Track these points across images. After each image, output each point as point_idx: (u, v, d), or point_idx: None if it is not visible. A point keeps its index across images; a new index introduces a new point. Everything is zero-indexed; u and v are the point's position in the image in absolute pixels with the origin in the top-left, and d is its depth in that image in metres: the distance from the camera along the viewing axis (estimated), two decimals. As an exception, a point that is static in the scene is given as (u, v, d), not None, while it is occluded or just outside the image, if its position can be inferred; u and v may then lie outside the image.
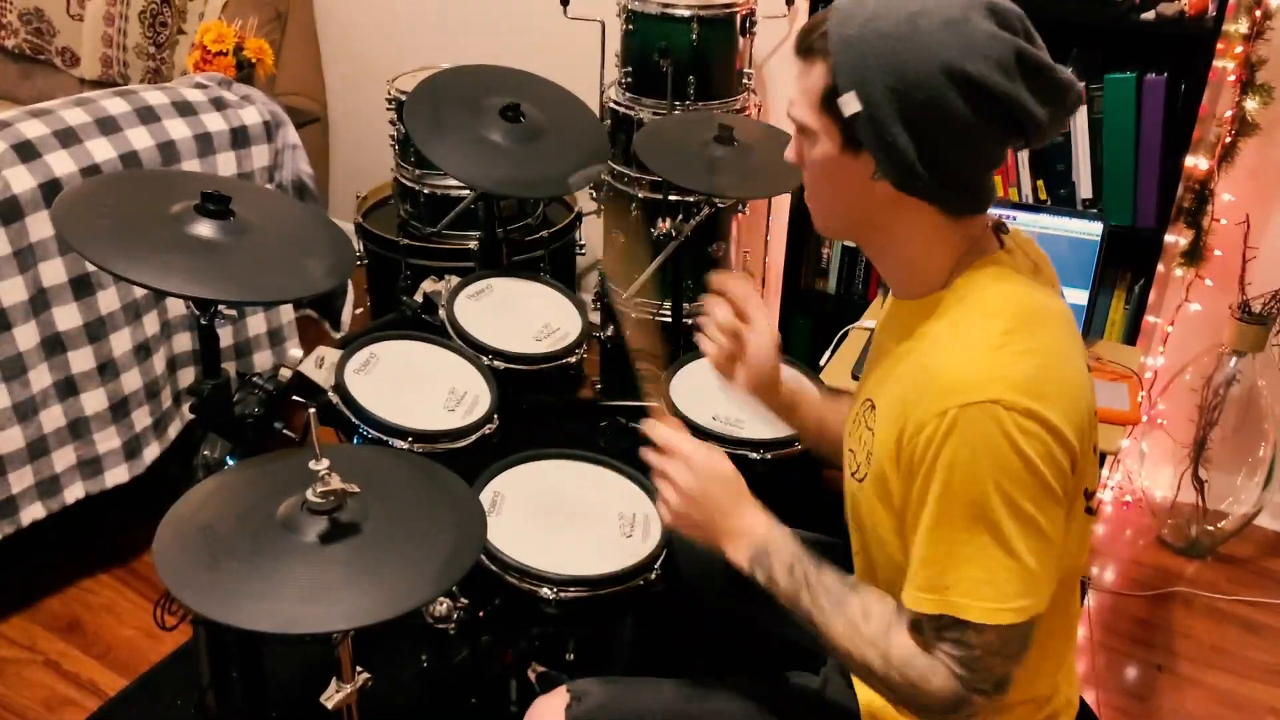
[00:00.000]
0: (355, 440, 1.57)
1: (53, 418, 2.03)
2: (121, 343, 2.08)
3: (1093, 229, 2.05)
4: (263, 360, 2.42)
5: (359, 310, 2.80)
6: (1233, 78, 2.13)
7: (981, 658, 1.00)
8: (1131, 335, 2.23)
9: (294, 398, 1.58)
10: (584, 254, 2.83)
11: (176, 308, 2.23)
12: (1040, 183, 2.20)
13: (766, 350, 1.33)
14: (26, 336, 1.95)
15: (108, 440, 2.11)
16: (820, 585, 1.10)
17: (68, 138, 1.97)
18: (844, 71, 1.00)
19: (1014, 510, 0.97)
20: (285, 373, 1.59)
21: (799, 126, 1.08)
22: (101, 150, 2.01)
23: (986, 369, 0.98)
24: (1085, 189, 2.16)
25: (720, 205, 2.17)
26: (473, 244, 2.55)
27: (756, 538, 1.15)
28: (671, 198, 2.42)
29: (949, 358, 1.02)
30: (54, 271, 1.96)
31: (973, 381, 0.98)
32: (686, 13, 2.32)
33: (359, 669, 1.23)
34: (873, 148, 1.02)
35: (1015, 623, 0.99)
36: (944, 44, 0.97)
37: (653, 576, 1.42)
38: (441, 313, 1.82)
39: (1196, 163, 2.16)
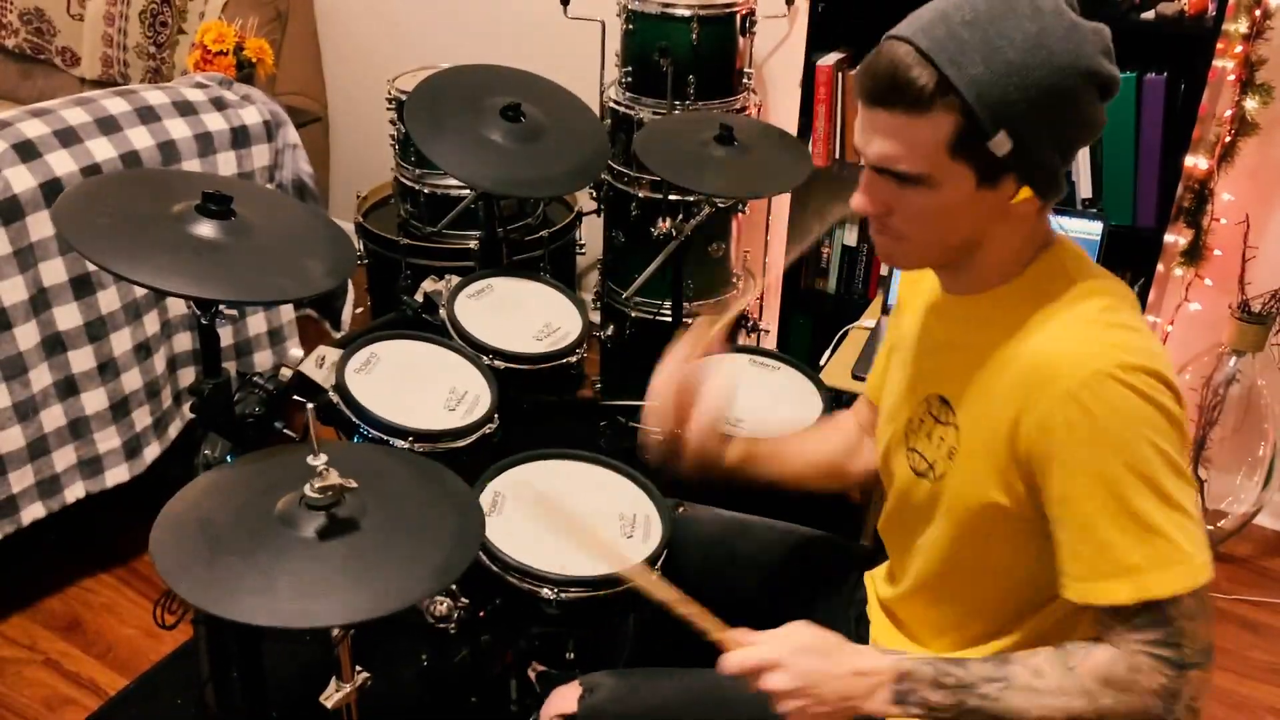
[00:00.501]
0: (355, 440, 1.57)
1: (53, 417, 2.03)
2: (122, 342, 2.09)
3: (1093, 228, 2.05)
4: (263, 360, 2.42)
5: (359, 310, 2.80)
6: (1232, 77, 2.13)
7: (1183, 628, 0.95)
8: (1131, 335, 2.23)
9: (294, 397, 1.58)
10: (584, 254, 2.83)
11: (177, 307, 2.23)
12: (1040, 182, 2.20)
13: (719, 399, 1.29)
14: (27, 336, 1.95)
15: (108, 440, 2.11)
16: (977, 677, 1.01)
17: (68, 137, 1.97)
18: (987, 115, 0.96)
19: (1169, 464, 0.96)
20: (286, 372, 1.59)
21: (903, 177, 1.01)
22: (102, 150, 2.01)
23: (1100, 343, 0.99)
24: (1085, 188, 2.16)
25: (720, 205, 2.17)
26: (473, 244, 2.55)
27: (887, 678, 1.03)
28: (671, 198, 2.42)
29: (1058, 340, 1.01)
30: (54, 271, 1.96)
31: (1091, 354, 0.98)
32: (686, 12, 2.32)
33: (359, 668, 1.23)
34: (1023, 172, 1.01)
35: (1208, 580, 0.96)
36: (1076, 53, 0.98)
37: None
38: (442, 312, 1.82)
39: (1196, 162, 2.15)
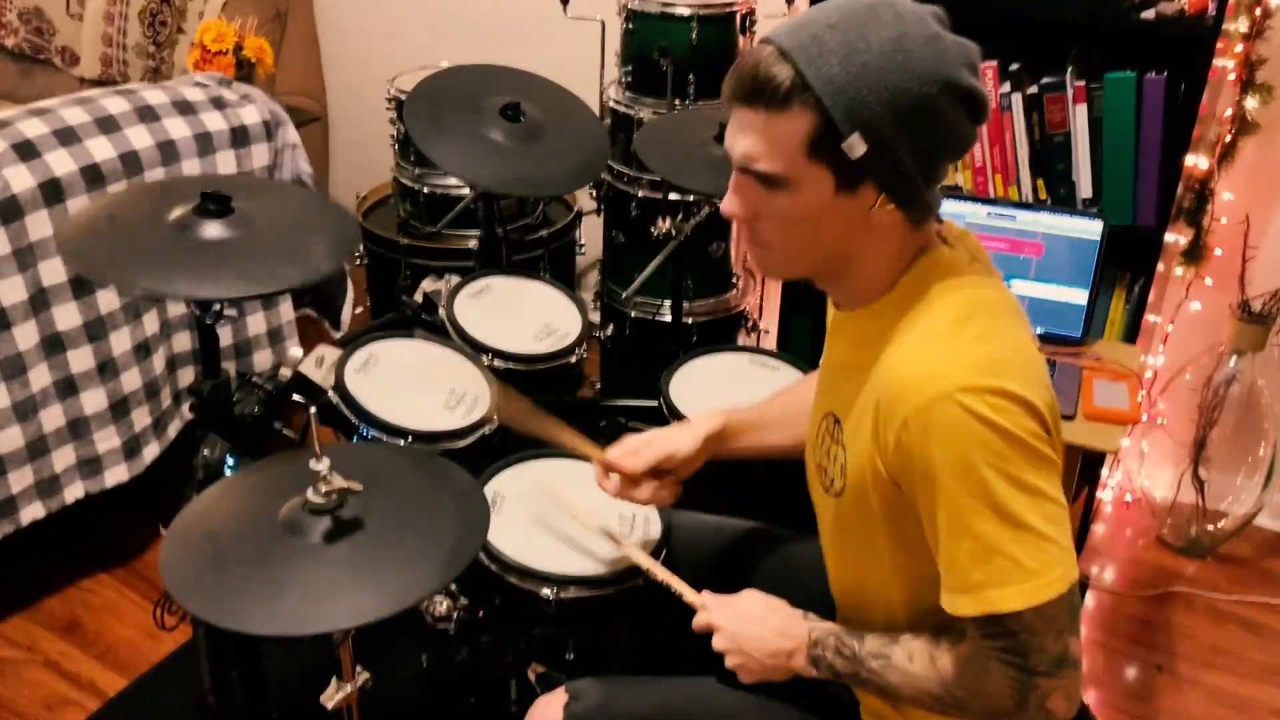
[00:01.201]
0: (355, 440, 1.57)
1: (52, 417, 2.03)
2: (121, 342, 2.08)
3: (1093, 228, 2.05)
4: (262, 360, 2.42)
5: (359, 310, 2.80)
6: (1233, 77, 2.13)
7: (1026, 641, 0.99)
8: (1131, 334, 2.23)
9: (294, 397, 1.58)
10: (584, 254, 2.83)
11: (176, 307, 2.23)
12: (1040, 182, 2.20)
13: (679, 450, 1.34)
14: (26, 336, 1.94)
15: (107, 440, 2.11)
16: (868, 654, 1.12)
17: (67, 137, 1.97)
18: (841, 115, 0.97)
19: (1015, 484, 0.96)
20: (285, 372, 1.58)
21: (765, 179, 1.03)
22: (101, 149, 2.01)
23: (942, 361, 0.99)
24: (1085, 188, 2.16)
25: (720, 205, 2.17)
26: (473, 243, 2.56)
27: (804, 643, 1.17)
28: (671, 197, 2.42)
29: (904, 359, 1.02)
30: (53, 271, 1.96)
31: (932, 376, 0.98)
32: (686, 12, 2.32)
33: (359, 669, 1.23)
34: (881, 179, 1.01)
35: (1052, 598, 0.97)
36: (934, 61, 0.98)
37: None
38: (441, 312, 1.81)
39: (1196, 162, 2.15)
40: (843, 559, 1.22)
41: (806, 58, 0.97)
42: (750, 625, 1.20)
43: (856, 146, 0.98)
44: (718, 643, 1.22)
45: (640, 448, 1.35)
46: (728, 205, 1.09)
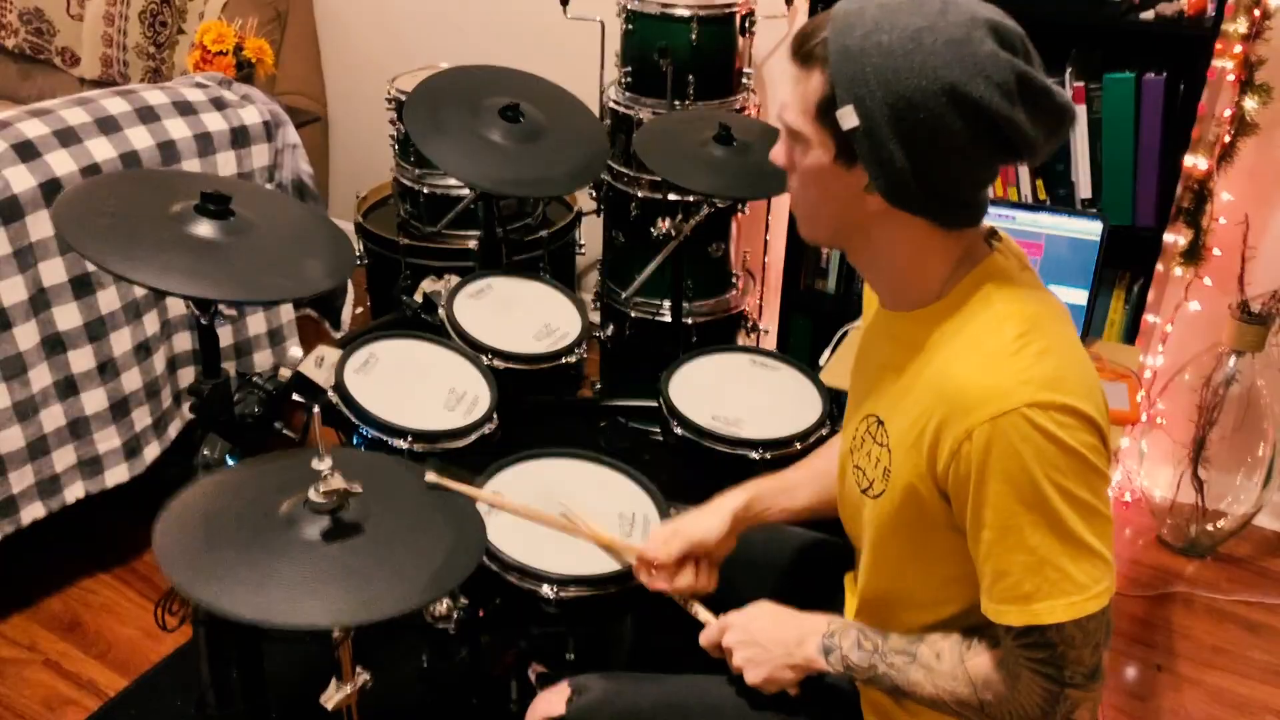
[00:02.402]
0: (355, 440, 1.57)
1: (53, 417, 2.03)
2: (121, 342, 2.09)
3: (1092, 228, 2.05)
4: (263, 360, 2.42)
5: (359, 310, 2.80)
6: (1232, 77, 2.14)
7: (1065, 652, 1.01)
8: (1131, 335, 2.23)
9: (294, 397, 1.58)
10: (584, 254, 2.83)
11: (176, 307, 2.23)
12: (1040, 182, 2.20)
13: (708, 536, 1.33)
14: (26, 336, 1.95)
15: (108, 440, 2.11)
16: (889, 648, 1.13)
17: (68, 137, 1.97)
18: (843, 84, 0.99)
19: (1070, 500, 0.98)
20: (285, 372, 1.59)
21: (790, 131, 1.07)
22: (101, 150, 2.01)
23: (1010, 376, 0.99)
24: (1085, 189, 2.16)
25: (720, 205, 2.17)
26: (473, 244, 2.56)
27: (820, 634, 1.18)
28: (671, 197, 2.42)
29: (970, 371, 1.02)
30: (54, 271, 1.96)
31: (999, 391, 0.98)
32: (686, 12, 2.32)
33: (359, 669, 1.23)
34: (867, 162, 1.01)
35: (1097, 610, 1.00)
36: (947, 64, 0.96)
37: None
38: (441, 312, 1.82)
39: (1196, 162, 2.16)
40: (874, 559, 1.20)
41: (842, 25, 1.00)
42: (763, 618, 1.23)
43: (848, 118, 0.99)
44: (729, 636, 1.23)
45: (669, 537, 1.34)
46: (773, 151, 1.12)
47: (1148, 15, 2.02)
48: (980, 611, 1.08)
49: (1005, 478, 0.98)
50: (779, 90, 2.74)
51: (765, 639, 1.21)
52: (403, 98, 2.55)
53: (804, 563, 1.46)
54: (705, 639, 1.26)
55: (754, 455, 1.65)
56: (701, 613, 1.30)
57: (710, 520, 1.34)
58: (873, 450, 1.14)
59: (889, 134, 0.98)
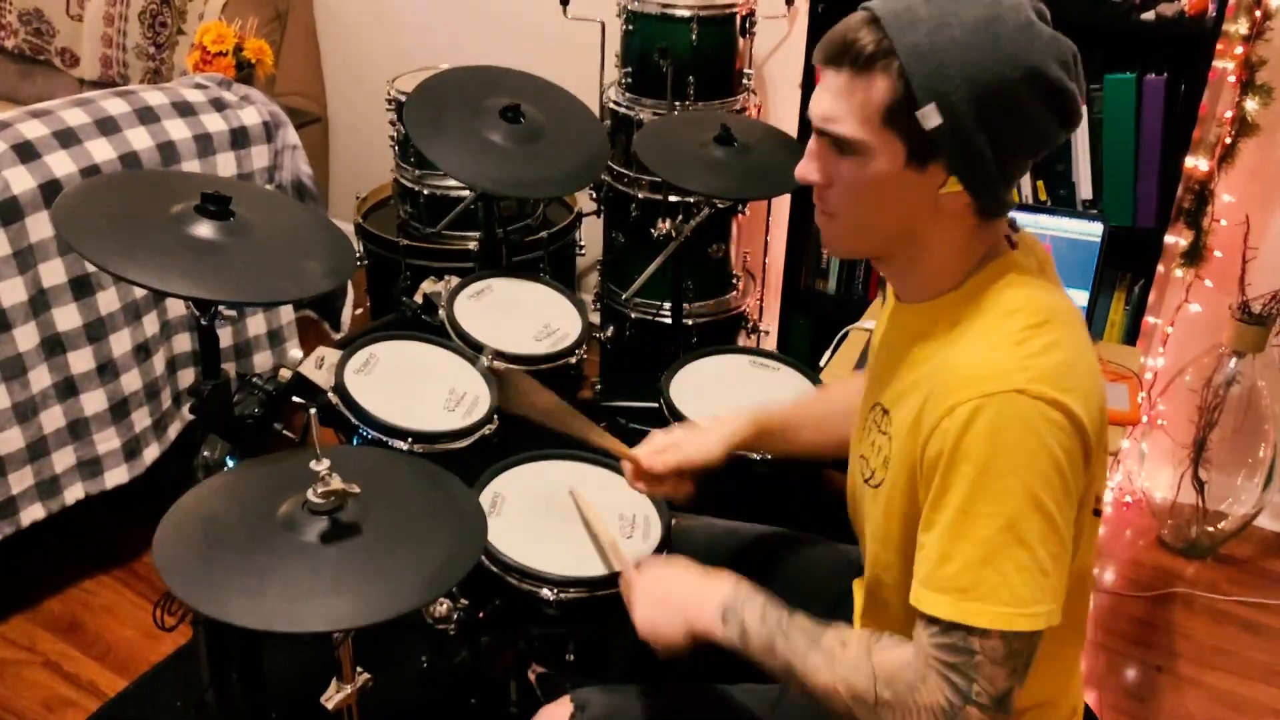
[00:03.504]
0: (355, 441, 1.57)
1: (53, 418, 2.03)
2: (121, 343, 2.08)
3: (1093, 229, 2.05)
4: (263, 361, 2.42)
5: (359, 311, 2.80)
6: (1233, 78, 2.14)
7: (981, 665, 0.96)
8: (1131, 336, 2.23)
9: (294, 398, 1.58)
10: (584, 254, 2.83)
11: (176, 308, 2.23)
12: (1040, 183, 2.20)
13: (701, 457, 1.37)
14: (26, 337, 1.95)
15: (107, 441, 2.11)
16: (794, 626, 1.08)
17: (67, 138, 1.97)
18: (921, 83, 0.96)
19: (1038, 508, 0.94)
20: (285, 373, 1.59)
21: (840, 143, 1.02)
22: (101, 151, 2.01)
23: (1009, 360, 0.97)
24: (1085, 189, 2.16)
25: (720, 206, 2.17)
26: (473, 244, 2.56)
27: (724, 596, 1.14)
28: (671, 198, 2.42)
29: (968, 353, 1.00)
30: (54, 272, 1.96)
31: (995, 372, 0.96)
32: (686, 13, 2.32)
33: (359, 669, 1.23)
34: (953, 158, 0.99)
35: (1027, 630, 0.95)
36: (1024, 49, 0.96)
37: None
38: (441, 313, 1.82)
39: (1196, 163, 2.16)
40: (874, 550, 1.18)
41: (897, 25, 0.97)
42: (677, 569, 1.22)
43: (931, 117, 0.97)
44: (639, 581, 1.23)
45: (666, 448, 1.37)
46: (802, 169, 1.08)
47: (1148, 16, 2.02)
48: None
49: (976, 458, 0.95)
50: (779, 91, 2.74)
51: (668, 590, 1.19)
52: (402, 98, 2.55)
53: (811, 569, 1.45)
54: (623, 588, 1.26)
55: (754, 456, 1.64)
56: (627, 561, 1.31)
57: (708, 443, 1.38)
58: (876, 439, 1.13)
59: (975, 126, 0.97)
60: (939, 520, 0.98)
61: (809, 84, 2.39)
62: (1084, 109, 1.03)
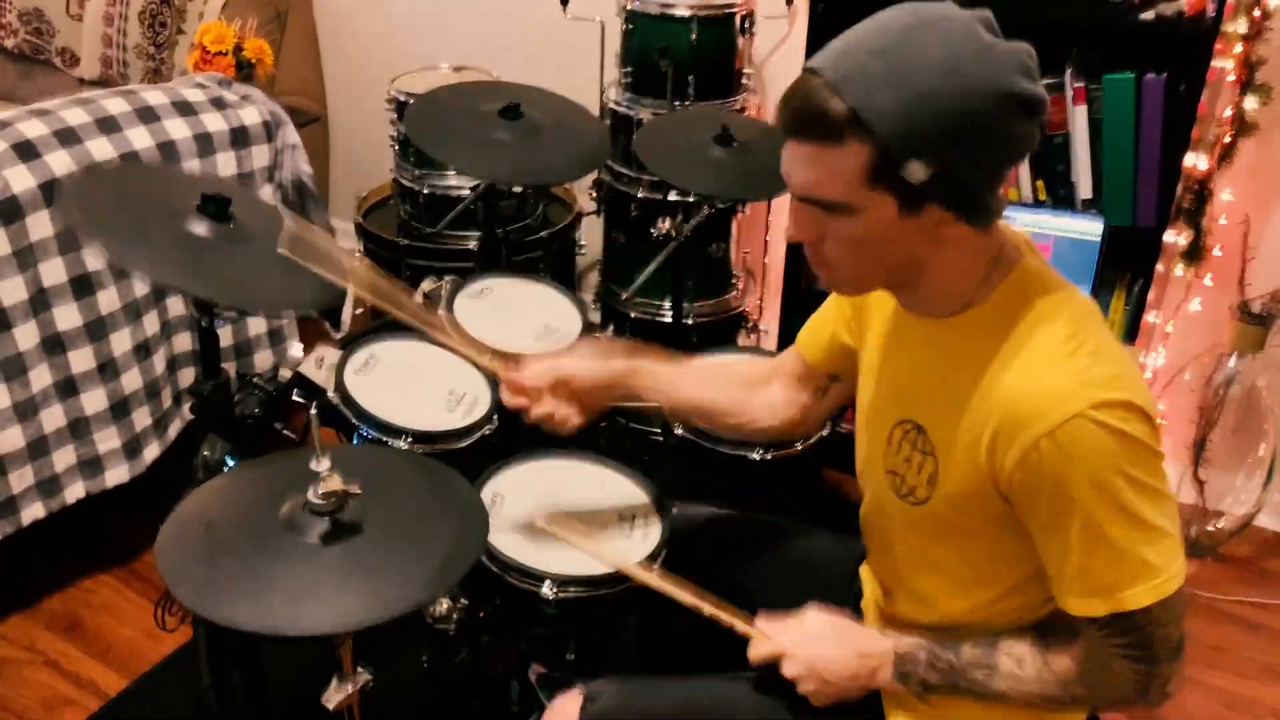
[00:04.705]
0: (355, 440, 1.57)
1: (53, 417, 2.03)
2: (121, 342, 2.09)
3: (1092, 229, 2.05)
4: (263, 360, 2.42)
5: (359, 310, 2.80)
6: (1232, 78, 2.13)
7: (1152, 633, 1.04)
8: (1131, 335, 2.23)
9: (294, 398, 1.58)
10: (584, 254, 2.83)
11: (176, 308, 2.23)
12: (1040, 183, 2.20)
13: (579, 374, 1.35)
14: (26, 336, 1.95)
15: (108, 440, 2.11)
16: (966, 662, 1.12)
17: (68, 137, 1.97)
18: (901, 144, 0.96)
19: (1141, 489, 1.00)
20: (285, 373, 1.59)
21: (827, 205, 1.02)
22: (101, 150, 2.01)
23: (1069, 379, 1.01)
24: (1085, 189, 2.16)
25: (720, 205, 2.17)
26: (473, 244, 2.56)
27: (890, 659, 1.16)
28: (671, 198, 2.42)
29: (1028, 378, 1.03)
30: (54, 271, 1.96)
31: (1061, 395, 1.00)
32: (686, 13, 2.32)
33: (359, 669, 1.23)
34: (946, 199, 1.00)
35: (1176, 590, 1.03)
36: (990, 75, 0.96)
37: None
38: (441, 313, 1.82)
39: (1196, 162, 2.15)
40: (910, 563, 1.21)
41: (857, 90, 0.96)
42: (826, 648, 1.18)
43: (918, 172, 0.97)
44: (789, 669, 1.18)
45: (544, 369, 1.35)
46: (792, 232, 1.08)
47: (1148, 15, 2.02)
48: (1013, 595, 1.11)
49: (1082, 482, 0.99)
50: (779, 91, 2.74)
51: (832, 673, 1.16)
52: (403, 98, 2.55)
53: (812, 555, 1.46)
54: (755, 655, 1.21)
55: (754, 456, 1.65)
56: (739, 625, 1.23)
57: (589, 364, 1.36)
58: (913, 457, 1.14)
59: (962, 163, 0.98)
60: (1064, 541, 1.03)
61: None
62: (1046, 97, 1.03)
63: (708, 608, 1.23)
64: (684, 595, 1.24)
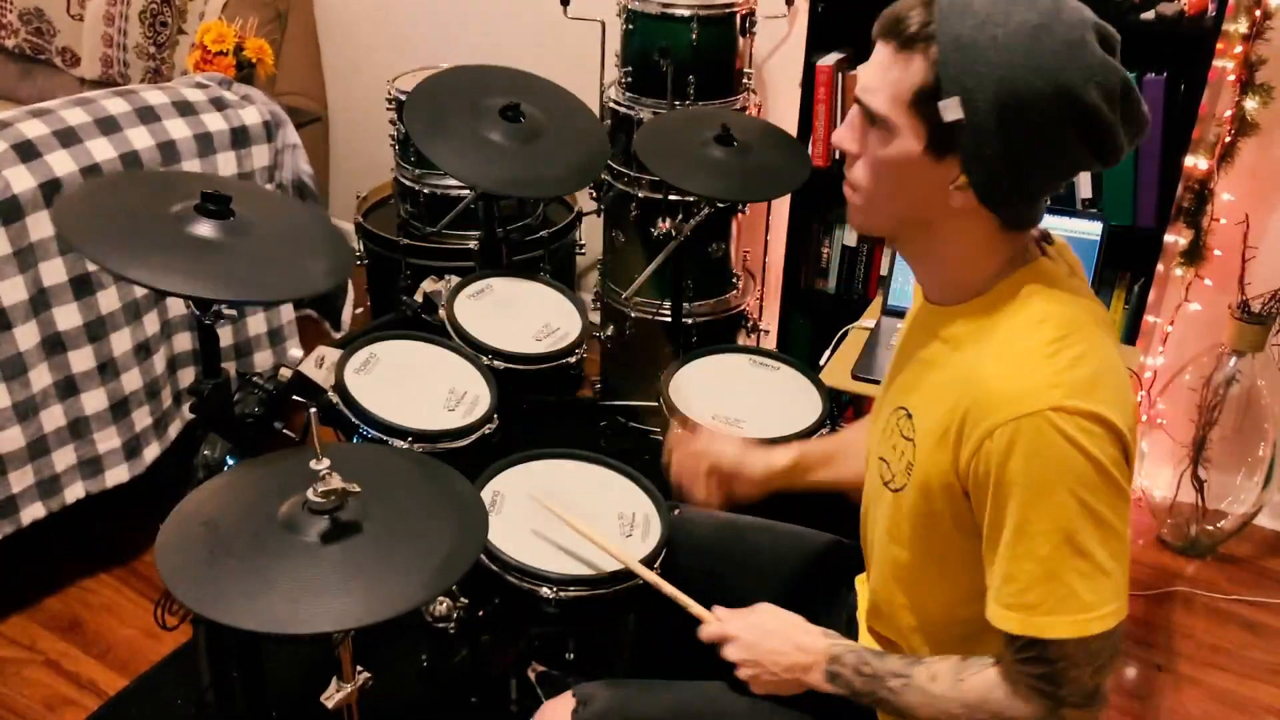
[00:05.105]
0: (355, 440, 1.57)
1: (53, 417, 2.03)
2: (121, 342, 2.09)
3: (1093, 229, 2.05)
4: (263, 360, 2.42)
5: (359, 310, 2.80)
6: (1232, 77, 2.13)
7: (1065, 670, 1.00)
8: (1131, 335, 2.23)
9: (294, 398, 1.58)
10: (584, 254, 2.83)
11: (176, 307, 2.23)
12: (1040, 183, 2.20)
13: (740, 452, 1.41)
14: (27, 336, 1.95)
15: (108, 440, 2.11)
16: (888, 672, 1.12)
17: (68, 137, 1.97)
18: (951, 74, 0.95)
19: (1090, 515, 0.96)
20: (285, 372, 1.59)
21: (871, 116, 1.02)
22: (101, 150, 2.01)
23: (1040, 377, 0.97)
24: (1085, 189, 2.16)
25: (720, 205, 2.17)
26: (473, 244, 2.56)
27: (822, 658, 1.17)
28: (671, 198, 2.42)
29: (1001, 369, 1.00)
30: (54, 271, 1.96)
31: (1028, 391, 0.96)
32: (686, 12, 2.32)
33: (359, 669, 1.23)
34: (966, 157, 0.99)
35: (1101, 631, 0.98)
36: (1063, 66, 0.95)
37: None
38: (441, 312, 1.82)
39: (1196, 162, 2.16)
40: (886, 555, 1.19)
41: (948, 10, 0.96)
42: (767, 638, 1.20)
43: (951, 110, 0.96)
44: (731, 652, 1.21)
45: (712, 455, 1.43)
46: (838, 136, 1.09)
47: (1148, 15, 2.02)
48: (961, 608, 1.08)
49: (1024, 480, 0.96)
50: (779, 90, 2.74)
51: (770, 661, 1.19)
52: (403, 98, 2.55)
53: (812, 564, 1.46)
54: (704, 635, 1.25)
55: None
56: (693, 607, 1.29)
57: (755, 469, 1.42)
58: (898, 443, 1.13)
59: (993, 130, 0.96)
60: (1000, 541, 1.00)
61: (809, 84, 2.39)
62: (1128, 147, 1.01)
63: (667, 587, 1.31)
64: (647, 573, 1.34)
